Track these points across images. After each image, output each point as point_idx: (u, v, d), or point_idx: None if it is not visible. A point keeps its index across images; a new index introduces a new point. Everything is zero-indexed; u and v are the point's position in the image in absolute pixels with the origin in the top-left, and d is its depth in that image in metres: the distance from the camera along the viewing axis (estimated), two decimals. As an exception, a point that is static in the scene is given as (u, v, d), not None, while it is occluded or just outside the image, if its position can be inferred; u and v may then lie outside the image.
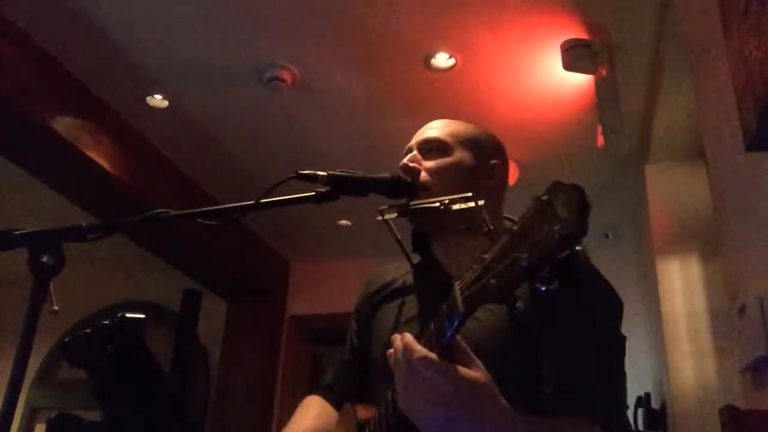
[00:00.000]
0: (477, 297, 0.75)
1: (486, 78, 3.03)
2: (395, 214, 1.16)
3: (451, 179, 1.16)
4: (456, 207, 1.08)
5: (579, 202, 0.65)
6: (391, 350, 0.85)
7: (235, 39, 2.84)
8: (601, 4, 2.55)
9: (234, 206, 1.09)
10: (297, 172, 1.06)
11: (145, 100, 3.27)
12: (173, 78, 3.11)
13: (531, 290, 0.82)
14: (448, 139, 1.21)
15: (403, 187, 1.15)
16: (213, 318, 4.84)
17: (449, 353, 0.81)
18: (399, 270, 1.28)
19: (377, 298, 1.26)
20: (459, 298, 0.76)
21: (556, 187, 0.67)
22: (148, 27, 2.79)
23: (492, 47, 2.82)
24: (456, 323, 0.78)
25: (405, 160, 1.20)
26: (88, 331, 1.02)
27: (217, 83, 3.13)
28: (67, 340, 1.03)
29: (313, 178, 1.07)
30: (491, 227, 1.10)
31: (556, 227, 0.64)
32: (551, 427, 0.91)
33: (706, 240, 2.85)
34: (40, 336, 0.93)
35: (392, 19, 2.70)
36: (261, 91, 3.11)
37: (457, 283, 0.78)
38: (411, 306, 1.17)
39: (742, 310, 1.52)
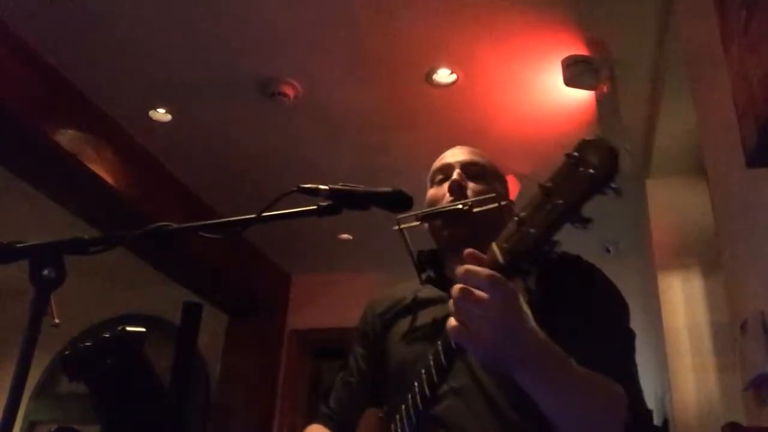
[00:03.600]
0: (517, 247, 0.76)
1: (487, 94, 3.04)
2: (415, 222, 1.16)
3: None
4: (477, 210, 1.09)
5: (606, 147, 0.71)
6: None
7: (238, 54, 2.86)
8: (602, 21, 2.56)
9: (235, 219, 1.08)
10: (299, 186, 1.05)
11: (148, 114, 3.29)
12: (176, 92, 3.13)
13: (539, 280, 0.86)
14: (488, 167, 1.22)
15: (404, 201, 1.13)
16: (213, 331, 4.83)
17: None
18: (407, 289, 1.26)
19: (388, 316, 1.23)
20: (498, 252, 0.77)
21: (583, 143, 0.74)
22: (151, 41, 2.81)
23: (493, 63, 2.84)
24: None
25: (455, 177, 1.17)
26: (87, 344, 1.01)
27: (219, 97, 3.14)
28: (66, 353, 1.02)
29: (315, 192, 1.06)
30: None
31: (589, 170, 0.70)
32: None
33: (708, 255, 2.84)
34: (40, 349, 0.92)
35: (394, 35, 2.72)
36: (263, 106, 3.13)
37: (494, 243, 0.79)
38: (425, 317, 1.15)
39: (743, 327, 1.52)
